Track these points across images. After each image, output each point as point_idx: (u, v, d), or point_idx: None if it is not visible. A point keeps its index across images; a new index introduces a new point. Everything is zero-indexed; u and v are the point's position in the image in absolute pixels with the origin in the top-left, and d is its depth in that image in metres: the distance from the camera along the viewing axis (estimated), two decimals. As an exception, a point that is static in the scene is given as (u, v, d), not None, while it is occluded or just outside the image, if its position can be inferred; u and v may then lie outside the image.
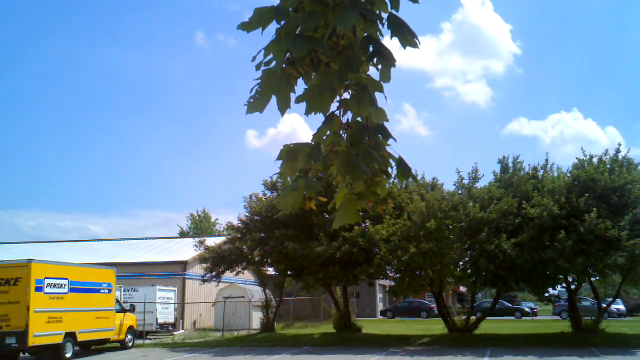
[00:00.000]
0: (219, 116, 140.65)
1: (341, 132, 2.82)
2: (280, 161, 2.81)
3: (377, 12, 2.69)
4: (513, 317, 53.55)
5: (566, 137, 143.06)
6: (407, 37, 2.68)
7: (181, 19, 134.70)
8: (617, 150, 28.37)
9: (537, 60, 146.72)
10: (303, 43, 2.61)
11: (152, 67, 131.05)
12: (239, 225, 32.99)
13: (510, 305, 57.22)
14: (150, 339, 32.91)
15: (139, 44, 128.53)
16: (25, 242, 58.30)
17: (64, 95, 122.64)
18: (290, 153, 2.78)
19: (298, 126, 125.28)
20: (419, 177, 31.28)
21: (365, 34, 2.71)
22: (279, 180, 32.65)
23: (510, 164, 30.16)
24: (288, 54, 2.65)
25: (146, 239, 55.29)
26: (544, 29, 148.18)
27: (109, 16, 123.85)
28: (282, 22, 2.70)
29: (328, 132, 2.79)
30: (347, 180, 2.77)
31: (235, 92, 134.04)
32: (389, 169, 2.91)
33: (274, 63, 2.70)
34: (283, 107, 2.70)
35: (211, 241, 36.66)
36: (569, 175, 28.31)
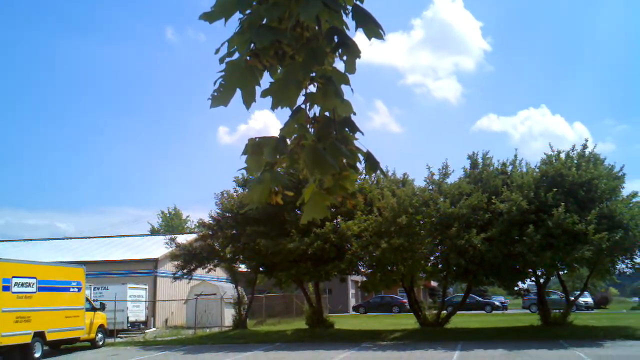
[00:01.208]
0: (190, 113, 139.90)
1: (308, 126, 2.82)
2: (246, 156, 2.80)
3: (343, 3, 2.69)
4: (484, 311, 54.19)
5: (535, 133, 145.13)
6: (372, 28, 2.68)
7: (151, 14, 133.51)
8: (584, 146, 28.80)
9: (506, 57, 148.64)
10: (267, 33, 2.59)
11: (123, 63, 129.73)
12: (210, 222, 32.83)
13: (481, 300, 57.88)
14: (121, 337, 32.59)
15: (109, 40, 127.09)
16: (-8, 241, 57.31)
17: (33, 91, 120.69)
18: (256, 147, 2.76)
19: (270, 122, 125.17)
20: (390, 174, 31.47)
21: (330, 25, 2.70)
22: (250, 176, 32.60)
23: (480, 160, 30.44)
24: (252, 45, 2.63)
25: (117, 236, 54.71)
26: (514, 26, 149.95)
27: (76, 10, 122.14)
28: (246, 13, 2.68)
29: (295, 126, 2.79)
30: (314, 174, 2.77)
31: (206, 88, 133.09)
32: (358, 164, 2.91)
33: (237, 55, 2.68)
34: (248, 100, 2.68)
35: (182, 238, 36.45)
36: (537, 170, 28.68)
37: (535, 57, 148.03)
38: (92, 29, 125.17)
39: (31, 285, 22.51)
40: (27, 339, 21.94)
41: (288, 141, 2.79)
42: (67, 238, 59.37)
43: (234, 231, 31.52)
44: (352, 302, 65.07)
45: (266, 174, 2.72)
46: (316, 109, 2.83)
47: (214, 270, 36.00)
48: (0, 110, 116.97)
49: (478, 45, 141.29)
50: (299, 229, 28.35)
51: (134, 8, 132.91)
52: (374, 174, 2.90)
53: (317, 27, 2.67)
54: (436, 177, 29.76)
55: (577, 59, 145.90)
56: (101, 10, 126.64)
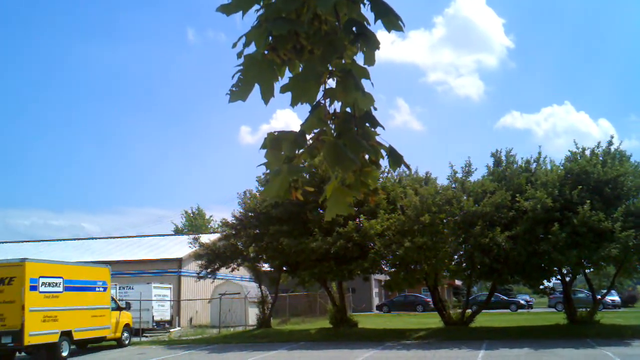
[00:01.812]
0: (212, 113, 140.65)
1: (329, 122, 2.79)
2: (265, 150, 2.78)
3: None
4: (509, 310, 53.76)
5: (559, 130, 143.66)
6: (392, 19, 2.64)
7: (172, 15, 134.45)
8: (610, 143, 28.45)
9: (530, 54, 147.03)
10: (284, 24, 2.56)
11: (144, 65, 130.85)
12: (234, 221, 32.94)
13: (506, 298, 57.40)
14: (146, 336, 32.87)
15: (131, 42, 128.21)
16: (19, 242, 58.11)
17: (56, 94, 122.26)
18: (275, 141, 2.73)
19: (291, 122, 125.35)
20: (412, 172, 31.33)
21: (348, 17, 2.66)
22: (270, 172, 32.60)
23: (504, 158, 30.20)
24: (270, 38, 2.61)
25: (141, 236, 55.17)
26: (537, 22, 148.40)
27: (99, 14, 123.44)
28: (263, 8, 2.65)
29: (315, 122, 2.76)
30: (335, 171, 2.75)
31: (227, 88, 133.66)
32: (380, 160, 2.88)
33: (255, 50, 2.65)
34: (267, 96, 2.66)
35: (206, 238, 36.62)
36: (561, 168, 28.37)
37: (558, 54, 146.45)
38: (114, 33, 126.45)
39: (58, 285, 22.79)
40: (55, 338, 22.22)
41: (307, 137, 2.77)
42: (92, 238, 60.04)
43: (257, 230, 31.59)
44: (376, 301, 64.91)
45: (284, 166, 2.69)
46: (336, 105, 2.80)
47: (238, 270, 36.15)
48: (28, 114, 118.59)
49: (500, 42, 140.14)
50: (321, 228, 28.37)
51: (156, 10, 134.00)
52: (397, 170, 2.87)
53: (335, 20, 2.64)
54: (459, 175, 29.57)
55: (601, 54, 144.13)
56: (124, 13, 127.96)
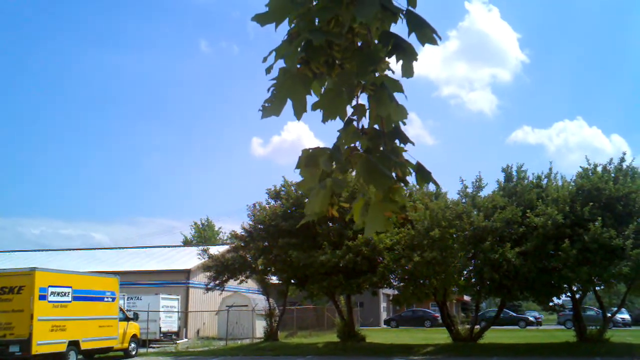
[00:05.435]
0: (223, 124, 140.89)
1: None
2: (299, 170, 2.73)
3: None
4: (517, 327, 53.34)
5: (571, 146, 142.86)
6: (427, 32, 2.61)
7: (185, 26, 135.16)
8: (622, 159, 28.33)
9: (544, 69, 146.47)
10: (322, 34, 2.54)
11: (157, 75, 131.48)
12: (243, 234, 32.97)
13: (515, 315, 57.00)
14: (153, 347, 32.79)
15: (143, 51, 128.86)
16: (28, 250, 58.27)
17: (67, 102, 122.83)
18: (310, 158, 2.71)
19: (303, 134, 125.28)
20: (421, 187, 31.25)
21: (382, 31, 2.63)
22: (283, 188, 32.64)
23: (514, 173, 30.09)
24: (302, 53, 2.57)
25: (150, 247, 55.21)
26: (552, 37, 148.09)
27: (111, 22, 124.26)
28: (295, 19, 2.64)
29: (349, 136, 2.73)
30: (370, 188, 2.70)
31: (240, 99, 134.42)
32: (407, 176, 2.85)
33: (284, 65, 2.63)
34: (299, 111, 2.63)
35: (215, 250, 36.61)
36: (573, 184, 28.25)
37: (572, 69, 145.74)
38: (127, 42, 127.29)
39: (67, 294, 22.81)
40: (62, 348, 22.21)
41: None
42: (102, 248, 60.17)
43: (266, 243, 31.60)
44: (384, 315, 64.63)
45: (328, 180, 2.65)
46: (364, 122, 2.78)
47: (246, 282, 36.12)
48: (38, 122, 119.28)
49: (516, 56, 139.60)
50: (330, 241, 28.35)
51: (169, 20, 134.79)
52: (425, 186, 2.84)
53: (367, 33, 2.60)
54: (469, 190, 29.49)
55: (615, 70, 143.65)
56: (138, 22, 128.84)
